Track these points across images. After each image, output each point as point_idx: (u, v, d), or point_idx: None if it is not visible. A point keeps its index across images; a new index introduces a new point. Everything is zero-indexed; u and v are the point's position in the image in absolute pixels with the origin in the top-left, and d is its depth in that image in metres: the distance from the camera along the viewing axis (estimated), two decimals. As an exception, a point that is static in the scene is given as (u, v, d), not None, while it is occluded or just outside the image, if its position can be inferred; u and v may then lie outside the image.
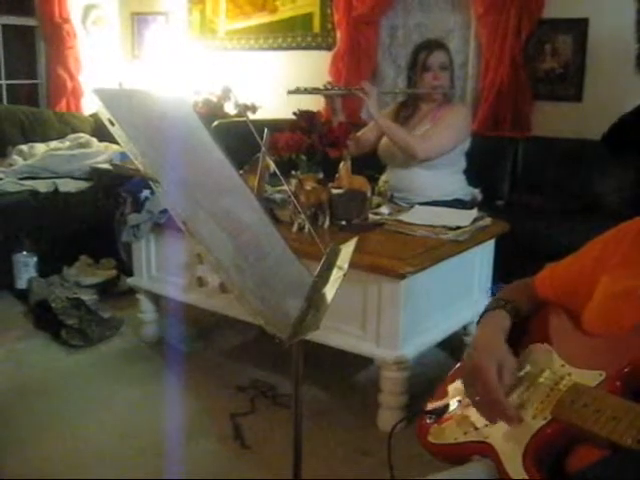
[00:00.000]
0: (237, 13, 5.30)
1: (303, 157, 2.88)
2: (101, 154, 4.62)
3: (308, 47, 4.99)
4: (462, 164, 3.27)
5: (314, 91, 3.20)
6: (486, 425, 1.21)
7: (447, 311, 2.67)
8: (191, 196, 1.06)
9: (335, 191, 2.80)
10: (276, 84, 4.78)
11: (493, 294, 1.82)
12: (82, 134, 4.94)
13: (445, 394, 1.38)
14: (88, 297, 3.46)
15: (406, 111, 3.30)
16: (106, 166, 4.39)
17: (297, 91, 3.16)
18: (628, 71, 3.80)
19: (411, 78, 3.24)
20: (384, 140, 3.26)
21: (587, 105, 3.96)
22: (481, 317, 1.38)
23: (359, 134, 3.35)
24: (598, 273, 1.28)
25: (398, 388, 2.46)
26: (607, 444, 1.00)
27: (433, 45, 3.22)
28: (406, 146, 3.07)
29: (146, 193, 2.99)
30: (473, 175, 3.34)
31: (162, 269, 3.12)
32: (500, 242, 2.91)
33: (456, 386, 1.36)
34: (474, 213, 2.83)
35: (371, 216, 2.80)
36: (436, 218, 2.73)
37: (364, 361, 2.65)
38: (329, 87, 3.27)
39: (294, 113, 3.01)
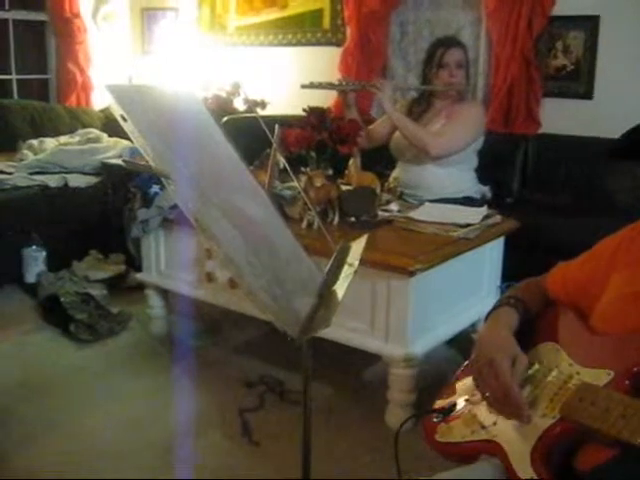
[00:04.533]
0: (247, 9, 5.30)
1: (313, 153, 2.88)
2: (111, 149, 4.62)
3: (318, 43, 4.97)
4: (474, 162, 3.26)
5: (328, 86, 3.18)
6: (494, 424, 1.21)
7: (456, 309, 2.67)
8: (202, 192, 1.06)
9: (344, 188, 2.80)
10: (285, 80, 4.78)
11: (502, 292, 1.82)
12: (92, 129, 4.95)
13: (453, 392, 1.37)
14: (97, 292, 3.47)
15: (419, 107, 3.28)
16: (116, 161, 4.40)
17: (311, 85, 3.14)
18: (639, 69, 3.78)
19: (426, 74, 3.22)
20: (396, 134, 3.24)
21: (598, 103, 3.93)
22: (489, 314, 1.38)
23: (370, 127, 3.34)
24: (610, 272, 1.27)
25: (406, 385, 2.46)
26: (616, 443, 1.00)
27: (451, 42, 3.19)
28: (419, 142, 3.05)
29: (155, 188, 3.00)
30: (483, 172, 3.32)
31: (171, 264, 3.13)
32: (510, 240, 2.90)
33: (464, 384, 1.36)
34: (484, 210, 2.83)
35: (380, 213, 2.79)
36: (446, 215, 2.72)
37: (372, 358, 2.65)
38: (342, 82, 3.25)
39: (304, 109, 2.99)
